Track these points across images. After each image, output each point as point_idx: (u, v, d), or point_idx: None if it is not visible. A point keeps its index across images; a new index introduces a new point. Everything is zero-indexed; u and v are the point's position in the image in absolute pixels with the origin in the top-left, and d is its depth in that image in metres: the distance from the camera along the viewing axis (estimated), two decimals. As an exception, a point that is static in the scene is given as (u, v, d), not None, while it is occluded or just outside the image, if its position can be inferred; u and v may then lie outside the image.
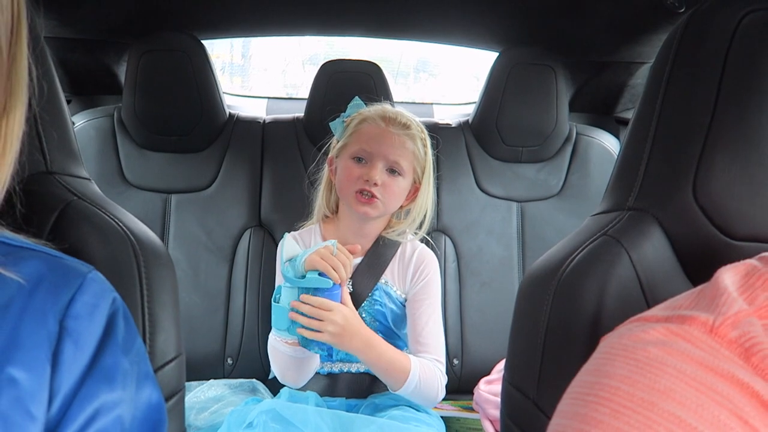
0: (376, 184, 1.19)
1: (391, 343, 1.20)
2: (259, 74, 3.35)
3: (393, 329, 1.29)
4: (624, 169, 0.67)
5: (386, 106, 1.28)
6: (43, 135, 0.63)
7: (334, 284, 1.10)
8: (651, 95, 0.64)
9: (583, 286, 0.60)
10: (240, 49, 3.28)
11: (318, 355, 1.20)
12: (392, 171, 1.22)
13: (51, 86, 0.64)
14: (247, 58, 3.32)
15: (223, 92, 1.69)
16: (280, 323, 1.14)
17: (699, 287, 0.44)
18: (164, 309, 0.63)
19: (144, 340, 0.61)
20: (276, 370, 1.24)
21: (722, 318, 0.37)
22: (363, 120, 1.25)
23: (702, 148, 0.58)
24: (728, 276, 0.42)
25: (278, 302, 1.14)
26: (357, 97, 1.31)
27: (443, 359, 1.24)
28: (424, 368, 1.18)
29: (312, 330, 1.09)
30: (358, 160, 1.22)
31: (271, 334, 1.21)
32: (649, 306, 0.59)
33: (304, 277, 1.11)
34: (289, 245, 1.17)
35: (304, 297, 1.10)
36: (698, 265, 0.60)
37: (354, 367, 1.31)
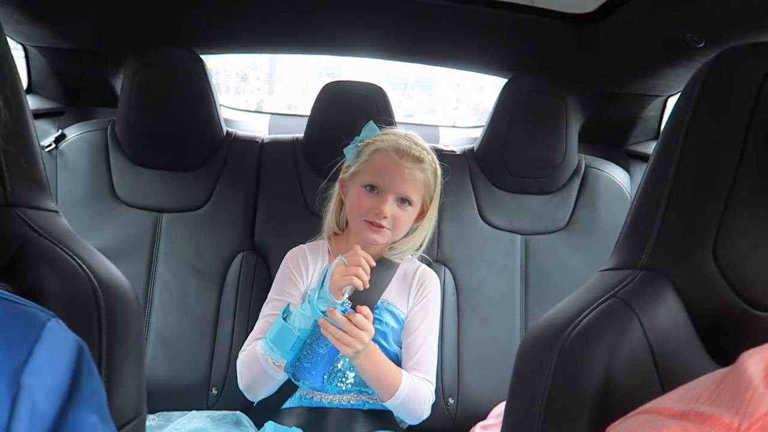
0: (386, 217, 1.22)
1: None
2: (283, 85, 3.40)
3: (388, 348, 1.27)
4: (637, 222, 0.62)
5: (400, 138, 1.28)
6: (5, 163, 0.58)
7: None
8: (669, 145, 0.58)
9: (589, 354, 0.54)
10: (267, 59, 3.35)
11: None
12: (402, 200, 1.25)
13: (19, 109, 0.60)
14: (273, 70, 3.40)
15: (220, 104, 1.64)
16: (285, 345, 1.12)
17: (720, 373, 0.38)
18: (125, 362, 0.57)
19: None
20: (244, 380, 1.24)
21: (748, 422, 0.32)
22: (376, 150, 1.26)
23: (724, 207, 0.53)
24: (753, 363, 0.37)
25: (291, 324, 1.12)
26: (371, 121, 1.31)
27: (434, 380, 1.27)
28: (414, 384, 1.21)
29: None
30: (370, 188, 1.24)
31: (258, 346, 1.19)
32: (661, 381, 0.54)
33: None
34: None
35: (349, 315, 1.08)
36: (717, 334, 0.55)
37: (345, 399, 1.26)
